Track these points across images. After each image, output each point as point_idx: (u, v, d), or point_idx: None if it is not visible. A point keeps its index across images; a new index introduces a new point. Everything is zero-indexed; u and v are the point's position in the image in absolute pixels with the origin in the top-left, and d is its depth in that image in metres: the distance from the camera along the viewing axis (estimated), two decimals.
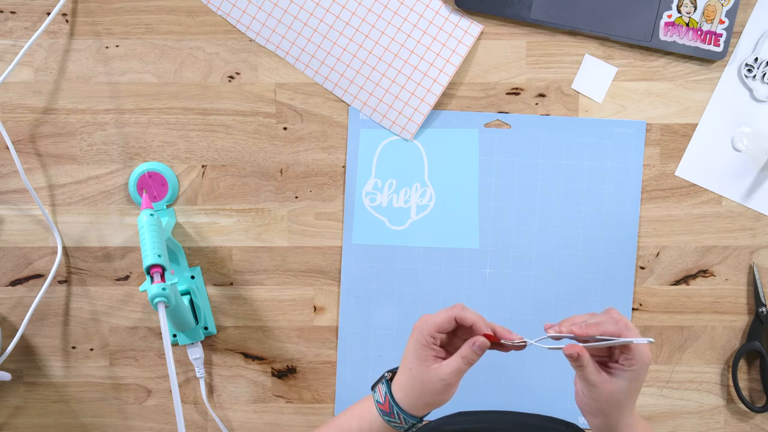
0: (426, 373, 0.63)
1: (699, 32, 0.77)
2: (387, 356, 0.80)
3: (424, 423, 0.67)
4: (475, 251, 0.79)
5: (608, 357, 0.63)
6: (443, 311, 0.64)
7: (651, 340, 0.61)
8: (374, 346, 0.80)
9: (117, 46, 0.78)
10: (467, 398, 0.79)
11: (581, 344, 0.61)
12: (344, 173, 0.79)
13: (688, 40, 0.77)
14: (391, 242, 0.79)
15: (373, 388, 0.65)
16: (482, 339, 0.62)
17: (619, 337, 0.61)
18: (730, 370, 0.79)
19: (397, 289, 0.79)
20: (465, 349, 0.63)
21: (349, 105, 0.78)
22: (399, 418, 0.63)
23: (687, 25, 0.77)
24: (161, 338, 0.80)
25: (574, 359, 0.61)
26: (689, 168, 0.79)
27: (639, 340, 0.60)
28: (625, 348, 0.61)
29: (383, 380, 0.65)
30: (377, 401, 0.64)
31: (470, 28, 0.77)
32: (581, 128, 0.78)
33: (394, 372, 0.66)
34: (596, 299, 0.78)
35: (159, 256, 0.66)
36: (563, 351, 0.62)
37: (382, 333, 0.80)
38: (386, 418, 0.64)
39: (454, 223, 0.79)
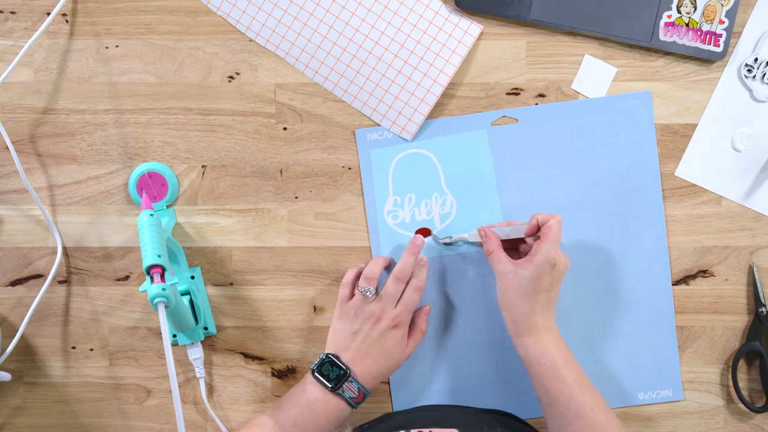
0: (403, 357, 0.74)
1: (699, 32, 0.77)
2: (436, 366, 0.80)
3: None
4: None
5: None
6: (413, 300, 0.74)
7: (523, 223, 0.73)
8: (425, 358, 0.79)
9: (117, 46, 0.78)
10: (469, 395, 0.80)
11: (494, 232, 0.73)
12: (362, 194, 0.79)
13: (688, 41, 0.77)
14: (421, 255, 0.79)
15: (336, 389, 0.71)
16: (429, 307, 0.78)
17: (529, 234, 0.72)
18: (730, 370, 0.79)
19: (435, 299, 0.79)
20: (423, 324, 0.77)
21: (349, 104, 0.78)
22: (365, 399, 0.73)
23: (687, 25, 0.77)
24: (161, 338, 0.80)
25: (483, 237, 0.73)
26: (689, 168, 0.79)
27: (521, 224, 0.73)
28: (536, 245, 0.69)
29: (350, 379, 0.71)
30: (351, 397, 0.71)
31: (470, 28, 0.77)
32: (587, 109, 0.78)
33: (334, 362, 0.72)
34: (632, 273, 0.78)
35: (159, 256, 0.66)
36: (477, 231, 0.74)
37: (431, 344, 0.79)
38: (357, 406, 0.72)
39: (479, 224, 0.78)
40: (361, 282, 0.74)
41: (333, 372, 0.71)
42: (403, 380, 0.79)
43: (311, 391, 0.71)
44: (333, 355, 0.72)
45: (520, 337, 0.70)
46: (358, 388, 0.71)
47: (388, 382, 0.80)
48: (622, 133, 0.78)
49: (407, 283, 0.75)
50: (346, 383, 0.71)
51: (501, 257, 0.71)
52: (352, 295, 0.75)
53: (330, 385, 0.71)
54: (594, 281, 0.79)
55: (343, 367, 0.71)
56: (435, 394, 0.80)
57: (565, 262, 0.70)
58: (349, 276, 0.76)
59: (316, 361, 0.73)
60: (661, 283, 0.79)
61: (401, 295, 0.74)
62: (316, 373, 0.72)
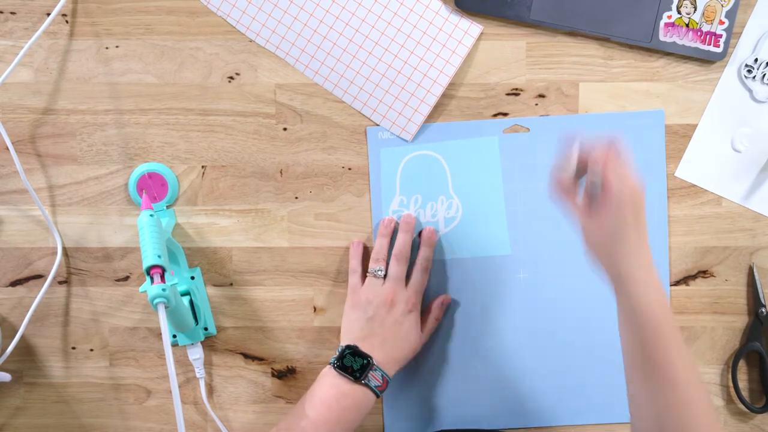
0: (418, 342, 0.74)
1: (699, 33, 0.77)
2: (434, 370, 0.80)
3: None
4: (507, 257, 0.79)
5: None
6: (420, 281, 0.75)
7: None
8: (420, 364, 0.79)
9: (117, 46, 0.78)
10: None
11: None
12: (362, 195, 0.79)
13: (688, 41, 0.77)
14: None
15: (361, 379, 0.70)
16: (448, 297, 0.78)
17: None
18: (730, 370, 0.79)
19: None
20: (438, 312, 0.77)
21: (349, 105, 0.78)
22: (387, 386, 0.72)
23: (687, 25, 0.77)
24: (161, 339, 0.80)
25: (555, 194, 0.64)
26: (689, 169, 0.79)
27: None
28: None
29: (374, 367, 0.71)
30: (376, 386, 0.70)
31: (470, 28, 0.77)
32: (599, 124, 0.78)
33: (356, 351, 0.71)
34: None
35: (159, 256, 0.66)
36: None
37: (424, 348, 0.79)
38: (381, 394, 0.71)
39: (483, 231, 0.79)
40: (372, 264, 0.75)
41: (356, 362, 0.70)
42: (396, 388, 0.79)
43: (335, 386, 0.70)
44: (352, 345, 0.72)
45: (615, 290, 0.61)
46: (382, 375, 0.71)
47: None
48: (632, 149, 0.77)
49: (415, 266, 0.75)
50: (370, 372, 0.70)
51: (575, 209, 0.63)
52: (362, 281, 0.76)
53: (355, 376, 0.70)
54: (592, 291, 0.78)
55: (366, 356, 0.71)
56: (430, 408, 0.79)
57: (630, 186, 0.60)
58: (356, 263, 0.77)
59: (335, 354, 0.72)
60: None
61: (410, 278, 0.75)
62: (336, 367, 0.71)
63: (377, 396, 0.71)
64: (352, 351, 0.71)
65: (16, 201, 0.79)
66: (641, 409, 0.60)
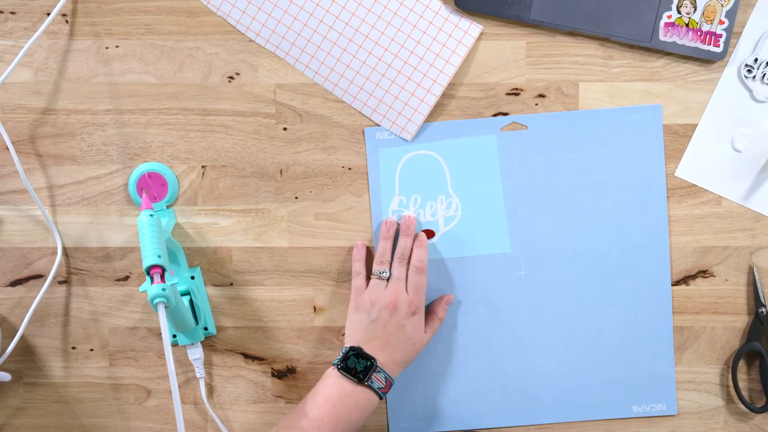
0: (421, 344, 0.75)
1: (699, 33, 0.77)
2: (432, 369, 0.80)
3: None
4: (507, 255, 0.79)
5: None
6: (418, 282, 0.75)
7: None
8: (420, 360, 0.79)
9: (117, 46, 0.78)
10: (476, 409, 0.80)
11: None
12: (362, 195, 0.79)
13: (688, 41, 0.77)
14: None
15: (365, 381, 0.71)
16: (450, 297, 0.78)
17: None
18: (730, 370, 0.79)
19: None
20: (441, 312, 0.77)
21: (349, 105, 0.78)
22: (390, 388, 0.73)
23: (687, 25, 0.77)
24: (161, 339, 0.80)
25: None
26: (689, 168, 0.79)
27: None
28: None
29: (377, 369, 0.71)
30: (379, 388, 0.71)
31: (470, 28, 0.77)
32: (597, 119, 0.78)
33: (359, 353, 0.71)
34: (633, 282, 0.79)
35: (159, 256, 0.66)
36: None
37: (427, 347, 0.79)
38: (384, 396, 0.72)
39: (483, 229, 0.79)
40: (376, 266, 0.75)
41: (359, 364, 0.71)
42: (399, 387, 0.79)
43: (339, 386, 0.71)
44: (356, 347, 0.72)
45: None
46: (385, 377, 0.72)
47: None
48: (630, 145, 0.78)
49: (409, 268, 0.76)
50: (374, 374, 0.71)
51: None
52: (367, 283, 0.76)
53: (358, 378, 0.71)
54: (593, 288, 0.79)
55: (370, 358, 0.71)
56: (433, 407, 0.79)
57: None
58: (360, 265, 0.77)
59: (339, 356, 0.72)
60: (661, 297, 0.79)
61: (408, 281, 0.75)
62: (340, 369, 0.71)
63: (380, 397, 0.72)
64: (356, 353, 0.72)
65: (16, 201, 0.79)
66: None
